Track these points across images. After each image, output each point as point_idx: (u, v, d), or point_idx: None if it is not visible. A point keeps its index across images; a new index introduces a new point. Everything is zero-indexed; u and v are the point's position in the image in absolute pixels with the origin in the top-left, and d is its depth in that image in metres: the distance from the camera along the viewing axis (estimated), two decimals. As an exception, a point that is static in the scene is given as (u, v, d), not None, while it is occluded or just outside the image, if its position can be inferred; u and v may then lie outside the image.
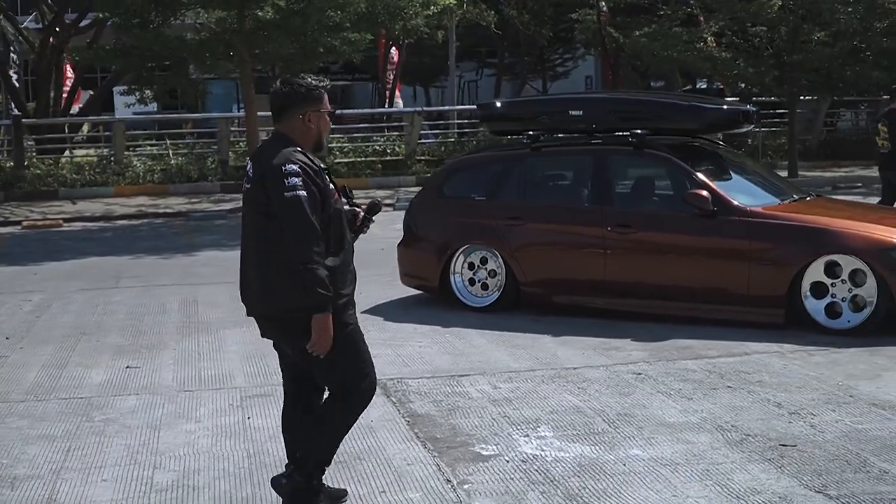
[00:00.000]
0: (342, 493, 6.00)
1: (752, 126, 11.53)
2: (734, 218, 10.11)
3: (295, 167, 5.26)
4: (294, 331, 5.38)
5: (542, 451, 6.77)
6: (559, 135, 11.75)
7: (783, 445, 6.74)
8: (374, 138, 29.00)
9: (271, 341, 5.83)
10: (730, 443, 6.82)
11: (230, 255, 16.58)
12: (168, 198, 25.70)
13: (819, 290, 9.81)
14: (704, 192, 10.19)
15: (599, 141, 11.21)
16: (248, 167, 5.53)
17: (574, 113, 11.22)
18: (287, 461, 5.81)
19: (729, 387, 8.14)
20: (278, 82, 5.64)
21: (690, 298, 10.34)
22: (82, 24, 26.89)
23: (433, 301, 11.67)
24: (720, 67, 27.13)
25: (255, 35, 20.67)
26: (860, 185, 26.74)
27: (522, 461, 6.61)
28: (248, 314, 5.68)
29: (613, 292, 10.69)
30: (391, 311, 11.52)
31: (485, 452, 6.79)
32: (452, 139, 29.95)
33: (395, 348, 9.80)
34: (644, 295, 10.54)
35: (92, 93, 29.39)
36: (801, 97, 28.49)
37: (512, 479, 6.32)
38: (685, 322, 10.25)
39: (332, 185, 5.49)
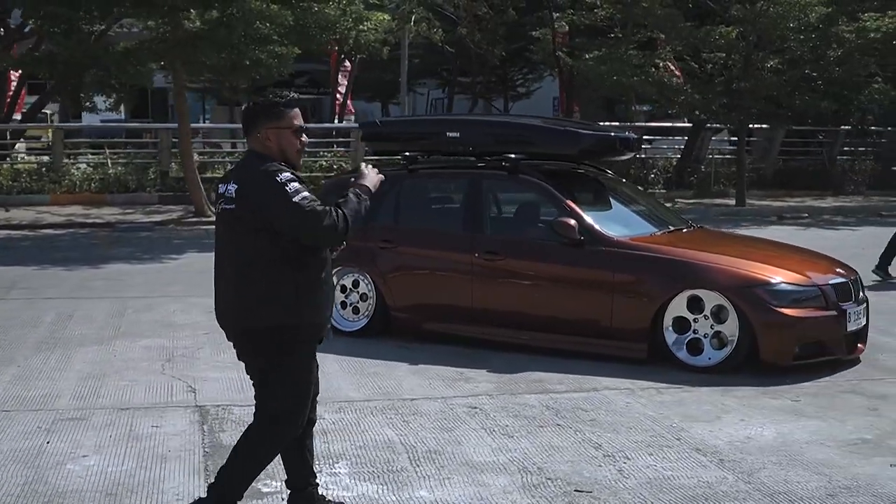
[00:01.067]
0: None
1: (634, 154, 11.23)
2: (600, 248, 9.81)
3: (288, 174, 5.25)
4: (259, 348, 5.39)
5: (325, 489, 6.43)
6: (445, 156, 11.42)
7: (578, 491, 6.42)
8: (321, 154, 28.67)
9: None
10: (525, 486, 6.50)
11: (136, 269, 16.33)
12: (103, 207, 25.35)
13: (682, 325, 9.52)
14: (572, 221, 9.89)
15: (477, 165, 10.90)
16: (224, 188, 5.36)
17: (451, 135, 10.91)
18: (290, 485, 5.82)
19: (558, 425, 7.83)
20: (248, 103, 5.53)
21: (556, 329, 10.04)
22: (27, 29, 26.54)
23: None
24: (667, 93, 26.87)
25: (184, 46, 20.34)
26: (806, 215, 26.53)
27: (299, 500, 6.27)
28: (226, 334, 5.56)
29: (482, 321, 10.38)
30: (261, 332, 11.17)
31: (265, 489, 6.45)
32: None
33: (240, 371, 9.43)
34: (511, 324, 10.24)
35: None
36: (750, 125, 28.27)
37: (278, 520, 6.00)
38: (549, 354, 9.95)
39: None
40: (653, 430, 7.69)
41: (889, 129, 34.34)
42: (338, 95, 30.60)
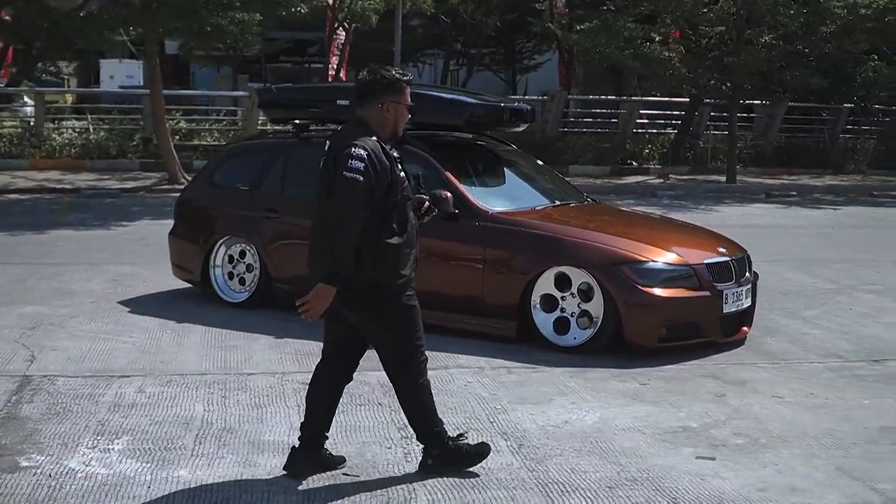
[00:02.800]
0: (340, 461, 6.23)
1: (527, 125, 10.85)
2: (474, 222, 9.46)
3: (362, 153, 5.57)
4: (360, 300, 5.78)
5: (87, 465, 6.17)
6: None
7: (346, 475, 6.15)
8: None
9: None
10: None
11: (78, 235, 16.15)
12: (81, 173, 25.21)
13: (551, 303, 9.16)
14: (446, 193, 9.48)
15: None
16: (325, 147, 5.81)
17: (342, 103, 10.55)
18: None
19: (380, 404, 7.54)
20: (365, 70, 5.92)
21: (434, 306, 9.65)
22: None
23: (202, 295, 11.07)
24: (654, 68, 26.29)
25: (145, 12, 20.06)
26: (795, 193, 26.00)
27: (50, 475, 6.01)
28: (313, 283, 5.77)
29: (362, 294, 10.03)
30: (150, 303, 10.97)
31: (25, 463, 6.20)
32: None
33: (98, 342, 9.24)
34: (389, 299, 9.88)
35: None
36: (750, 101, 27.68)
37: (14, 495, 5.72)
38: (430, 330, 9.59)
39: (402, 174, 5.82)
40: (473, 412, 7.38)
41: (895, 108, 33.60)
42: (331, 65, 30.23)
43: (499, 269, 9.32)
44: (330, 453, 6.21)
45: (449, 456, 6.08)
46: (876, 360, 9.17)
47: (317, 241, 5.82)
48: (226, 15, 20.22)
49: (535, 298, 9.18)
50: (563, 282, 9.11)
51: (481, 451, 6.17)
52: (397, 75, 5.87)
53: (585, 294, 9.04)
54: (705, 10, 25.78)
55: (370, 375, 8.23)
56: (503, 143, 11.26)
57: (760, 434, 7.02)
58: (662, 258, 9.06)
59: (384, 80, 5.81)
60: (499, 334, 9.33)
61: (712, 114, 31.39)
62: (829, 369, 8.81)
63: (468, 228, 9.47)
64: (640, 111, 31.38)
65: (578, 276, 9.02)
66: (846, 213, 22.11)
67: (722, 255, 9.42)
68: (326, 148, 5.84)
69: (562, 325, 9.13)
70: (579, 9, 33.72)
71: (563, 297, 9.11)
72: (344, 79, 30.58)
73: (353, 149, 5.59)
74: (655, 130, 31.86)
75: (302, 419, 6.23)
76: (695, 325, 9.12)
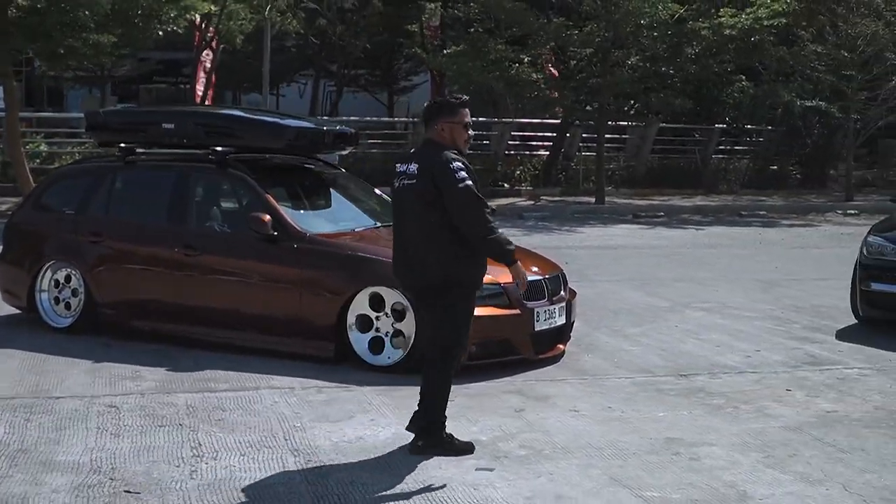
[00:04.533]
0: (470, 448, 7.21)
1: (352, 148, 11.22)
2: (292, 243, 9.79)
3: (459, 163, 6.80)
4: (442, 294, 6.96)
5: None
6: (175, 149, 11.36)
7: (127, 492, 6.40)
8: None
9: None
10: (81, 486, 6.48)
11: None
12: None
13: (365, 323, 9.52)
14: (265, 216, 9.86)
15: (189, 157, 10.88)
16: (405, 167, 7.00)
17: (167, 126, 10.85)
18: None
19: (180, 424, 7.82)
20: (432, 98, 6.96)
21: (254, 328, 10.01)
22: None
23: (30, 320, 11.22)
24: (518, 90, 26.87)
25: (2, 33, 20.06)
26: (662, 214, 26.73)
27: None
28: (405, 287, 7.49)
29: (186, 318, 10.32)
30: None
31: None
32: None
33: None
34: (213, 322, 10.18)
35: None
36: (610, 122, 28.40)
37: None
38: (247, 353, 9.92)
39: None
40: (270, 431, 7.68)
41: (768, 128, 34.68)
42: (198, 86, 30.38)
43: (316, 291, 9.66)
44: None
45: (440, 445, 7.12)
46: (683, 374, 9.67)
47: (416, 247, 6.97)
48: (79, 37, 20.31)
49: (351, 319, 9.52)
50: (377, 302, 9.47)
51: (468, 448, 7.18)
52: (452, 100, 7.13)
53: (399, 314, 9.40)
54: (573, 33, 26.41)
55: (179, 397, 8.55)
56: (332, 166, 11.61)
57: (545, 446, 7.44)
58: (472, 277, 9.45)
59: (436, 105, 7.13)
60: (317, 355, 9.64)
61: (584, 135, 32.09)
62: (635, 384, 9.29)
63: (286, 250, 9.81)
64: (513, 133, 31.97)
65: (391, 297, 9.39)
66: (708, 234, 22.84)
67: (534, 273, 9.83)
68: (408, 168, 6.98)
69: (377, 345, 9.49)
70: (452, 29, 34.25)
71: (377, 318, 9.47)
72: (210, 101, 30.70)
73: (451, 163, 6.81)
74: (528, 152, 32.48)
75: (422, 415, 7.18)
76: (506, 342, 9.53)
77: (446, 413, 7.22)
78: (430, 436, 7.12)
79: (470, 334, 9.05)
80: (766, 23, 26.52)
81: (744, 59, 28.70)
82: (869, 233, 12.30)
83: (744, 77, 30.10)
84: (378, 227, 10.54)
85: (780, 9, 26.59)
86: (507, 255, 6.96)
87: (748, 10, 26.67)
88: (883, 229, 12.27)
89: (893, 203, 14.88)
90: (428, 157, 6.94)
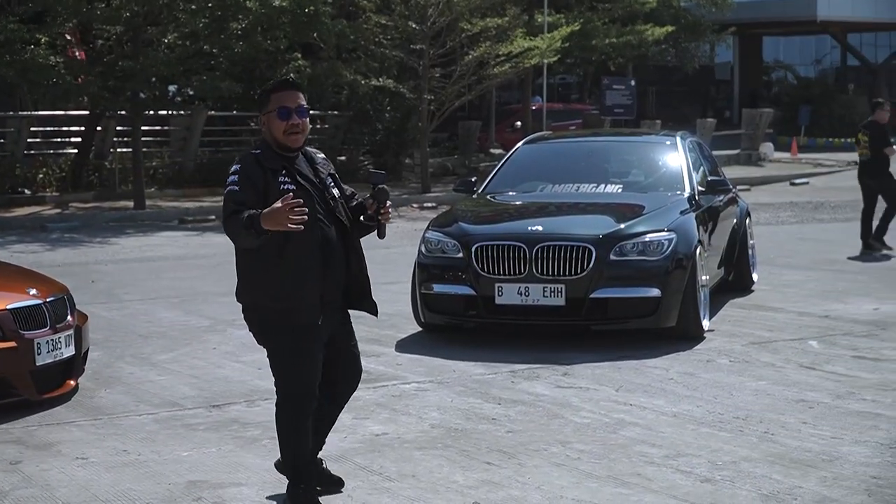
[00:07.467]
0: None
1: None
2: None
3: (237, 166, 6.66)
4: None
5: None
6: None
7: None
8: None
9: None
10: None
11: None
12: None
13: None
14: None
15: None
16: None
17: None
18: None
19: None
20: None
21: None
22: None
23: None
24: (33, 76, 26.08)
25: None
26: (213, 217, 26.70)
27: None
28: None
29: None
30: None
31: None
32: None
33: None
34: None
35: None
36: (147, 112, 28.14)
37: None
38: None
39: (289, 186, 6.58)
40: None
41: (334, 113, 35.38)
42: None
43: None
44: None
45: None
46: (216, 405, 9.71)
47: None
48: None
49: None
50: None
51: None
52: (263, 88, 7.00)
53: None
54: (98, 7, 25.97)
55: None
56: None
57: (45, 503, 7.29)
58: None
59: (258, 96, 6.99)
60: None
61: (119, 128, 31.52)
62: (158, 421, 9.25)
63: None
64: (33, 129, 31.12)
65: None
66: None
67: (32, 297, 9.60)
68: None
69: None
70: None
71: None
72: None
73: (233, 164, 6.87)
74: (52, 151, 31.68)
75: None
76: (1, 381, 9.27)
77: None
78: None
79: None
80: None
81: (299, 35, 29.08)
82: (428, 228, 12.64)
83: (300, 55, 30.55)
84: None
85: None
86: (247, 231, 6.34)
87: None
88: (443, 223, 12.62)
89: (458, 192, 14.71)
90: None
